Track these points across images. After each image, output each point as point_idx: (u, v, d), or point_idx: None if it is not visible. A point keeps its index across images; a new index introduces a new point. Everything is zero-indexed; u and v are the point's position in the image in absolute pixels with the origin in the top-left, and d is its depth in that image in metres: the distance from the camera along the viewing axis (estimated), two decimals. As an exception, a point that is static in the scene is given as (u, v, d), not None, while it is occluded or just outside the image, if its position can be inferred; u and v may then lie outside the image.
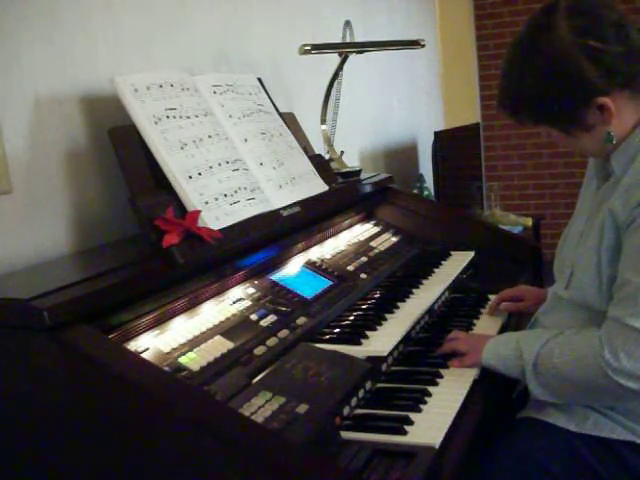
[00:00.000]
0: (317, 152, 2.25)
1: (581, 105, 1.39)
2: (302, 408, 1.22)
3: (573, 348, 1.40)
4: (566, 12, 1.38)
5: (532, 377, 1.43)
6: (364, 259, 2.02)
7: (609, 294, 1.40)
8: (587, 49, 1.35)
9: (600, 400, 1.42)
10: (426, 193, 3.83)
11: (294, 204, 1.76)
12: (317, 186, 1.94)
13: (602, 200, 1.47)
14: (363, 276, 1.91)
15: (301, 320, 1.57)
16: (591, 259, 1.43)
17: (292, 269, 1.79)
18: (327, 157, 2.37)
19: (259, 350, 1.40)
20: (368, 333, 1.56)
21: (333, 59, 2.50)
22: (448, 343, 1.61)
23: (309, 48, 2.24)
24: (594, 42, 1.35)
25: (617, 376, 1.31)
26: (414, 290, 1.89)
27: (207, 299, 1.49)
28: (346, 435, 1.26)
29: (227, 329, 1.43)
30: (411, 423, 1.29)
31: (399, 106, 3.91)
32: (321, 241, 2.00)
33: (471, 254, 2.22)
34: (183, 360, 1.29)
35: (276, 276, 1.71)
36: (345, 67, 2.52)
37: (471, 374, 1.51)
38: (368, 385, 1.44)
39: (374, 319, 1.65)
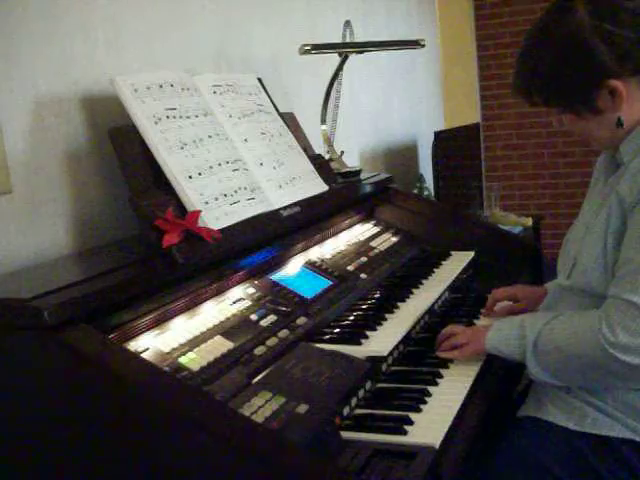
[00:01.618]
0: (317, 152, 2.25)
1: (593, 86, 1.42)
2: (302, 408, 1.22)
3: (573, 325, 1.41)
4: None
5: (532, 355, 1.44)
6: (364, 259, 2.02)
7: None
8: (602, 31, 1.39)
9: (598, 379, 1.40)
10: (426, 193, 3.82)
11: (294, 204, 1.76)
12: (317, 186, 1.94)
13: (610, 190, 1.48)
14: (363, 276, 1.91)
15: (301, 320, 1.57)
16: (597, 244, 1.44)
17: (292, 269, 1.79)
18: (327, 157, 2.37)
19: (259, 350, 1.40)
20: (368, 333, 1.56)
21: (333, 59, 2.50)
22: (447, 340, 1.61)
23: (309, 48, 2.24)
24: (609, 25, 1.39)
25: (614, 350, 1.31)
26: (414, 290, 1.89)
27: (207, 299, 1.49)
28: (346, 435, 1.27)
29: (227, 329, 1.43)
30: (411, 423, 1.29)
31: (399, 106, 3.91)
32: (321, 241, 1.99)
33: (471, 254, 2.22)
34: (183, 360, 1.29)
35: (276, 276, 1.71)
36: (345, 67, 2.52)
37: (472, 372, 1.51)
38: (368, 385, 1.44)
39: (374, 319, 1.65)
